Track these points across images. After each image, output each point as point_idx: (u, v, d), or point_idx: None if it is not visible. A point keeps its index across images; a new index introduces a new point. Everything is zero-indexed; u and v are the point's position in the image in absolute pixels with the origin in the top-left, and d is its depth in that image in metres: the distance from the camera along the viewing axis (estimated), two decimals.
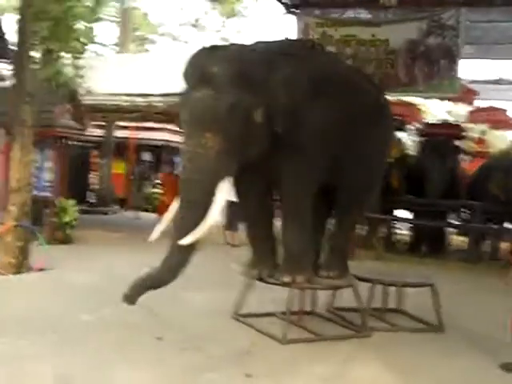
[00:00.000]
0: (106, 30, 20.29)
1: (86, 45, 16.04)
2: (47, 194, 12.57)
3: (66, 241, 12.23)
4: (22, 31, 9.23)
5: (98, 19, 13.54)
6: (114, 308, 6.77)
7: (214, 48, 5.84)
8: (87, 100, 13.11)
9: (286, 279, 6.15)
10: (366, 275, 6.92)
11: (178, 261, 5.49)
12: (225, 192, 5.52)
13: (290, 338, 6.05)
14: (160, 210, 12.84)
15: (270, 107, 5.58)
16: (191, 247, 5.45)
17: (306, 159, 5.94)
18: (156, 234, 5.83)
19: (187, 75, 5.70)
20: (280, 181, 6.12)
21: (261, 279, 6.49)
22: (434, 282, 7.04)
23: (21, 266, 9.02)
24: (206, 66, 5.48)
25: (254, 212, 6.51)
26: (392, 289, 7.19)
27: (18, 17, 9.39)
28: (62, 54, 12.86)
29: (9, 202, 9.19)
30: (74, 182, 15.51)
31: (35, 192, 12.18)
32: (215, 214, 5.43)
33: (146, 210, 19.16)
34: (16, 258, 9.00)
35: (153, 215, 15.73)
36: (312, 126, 5.88)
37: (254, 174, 6.16)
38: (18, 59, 9.27)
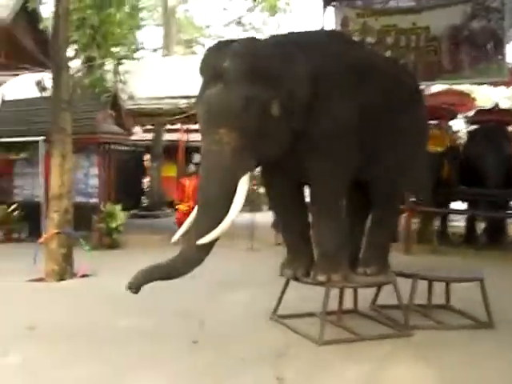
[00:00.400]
0: (151, 35, 20.42)
1: (134, 51, 16.31)
2: (94, 199, 12.69)
3: (113, 246, 12.35)
4: (57, 39, 9.25)
5: (139, 25, 13.60)
6: (154, 313, 6.80)
7: (226, 43, 5.68)
8: (130, 105, 13.19)
9: (321, 278, 5.94)
10: (409, 270, 6.63)
11: (193, 257, 5.31)
12: (244, 190, 5.32)
13: (326, 339, 5.85)
14: None
15: (288, 100, 5.35)
16: (208, 246, 5.27)
17: (332, 155, 5.69)
18: (178, 235, 5.69)
19: (202, 71, 5.56)
20: (309, 178, 5.90)
21: (296, 278, 6.27)
22: (483, 276, 6.66)
23: (64, 272, 9.11)
24: (218, 61, 5.32)
25: (286, 210, 6.31)
26: (440, 284, 6.84)
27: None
28: (104, 60, 12.96)
29: (50, 210, 9.27)
30: (128, 186, 15.70)
31: (83, 198, 12.44)
32: (234, 213, 5.23)
33: None
34: (59, 265, 9.09)
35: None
36: (335, 119, 5.63)
37: (284, 172, 5.99)
38: (55, 67, 9.31)
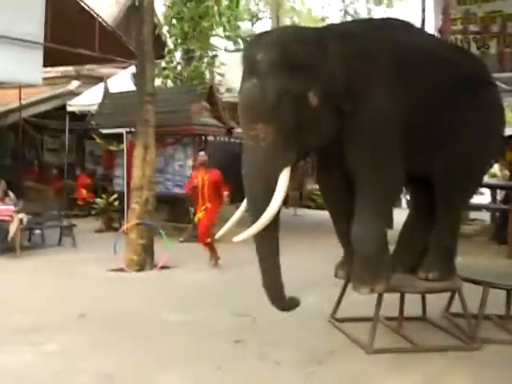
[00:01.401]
0: (262, 27, 20.41)
1: (238, 41, 16.37)
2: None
3: None
4: (142, 32, 9.37)
5: (238, 17, 13.63)
6: (211, 309, 6.73)
7: (261, 34, 5.49)
8: (227, 97, 13.17)
9: (364, 291, 5.48)
10: (477, 276, 6.05)
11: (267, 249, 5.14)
12: (284, 184, 5.04)
13: (378, 347, 5.46)
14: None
15: (326, 88, 5.04)
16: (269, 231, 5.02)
17: (378, 147, 5.26)
18: (223, 231, 5.57)
19: (242, 64, 5.38)
20: (355, 173, 5.46)
21: (349, 280, 5.91)
22: None
23: (144, 263, 9.24)
24: (253, 53, 5.14)
25: (338, 208, 5.94)
26: None
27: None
28: (202, 52, 13.09)
29: (132, 200, 9.42)
30: (230, 178, 15.72)
31: (179, 190, 12.60)
32: (273, 208, 4.96)
33: (308, 207, 18.99)
34: (139, 256, 9.23)
35: (314, 212, 15.46)
36: (377, 109, 5.22)
37: (334, 167, 5.66)
38: (140, 60, 9.46)
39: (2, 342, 5.55)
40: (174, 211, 13.60)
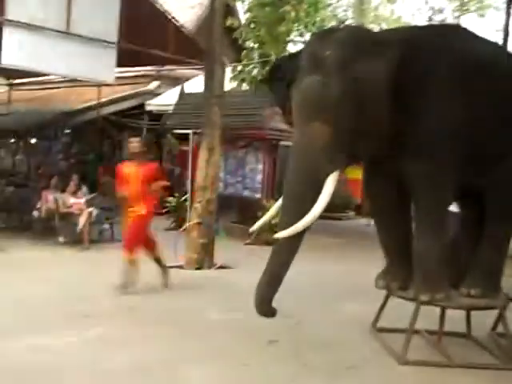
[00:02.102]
0: None
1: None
2: (259, 195, 13.14)
3: (272, 242, 12.62)
4: (211, 35, 9.74)
5: (316, 24, 13.77)
6: (251, 311, 6.86)
7: (330, 31, 5.59)
8: None
9: (424, 298, 5.58)
10: None
11: (286, 249, 5.28)
12: (331, 187, 5.14)
13: (410, 359, 5.55)
14: None
15: (387, 96, 5.04)
16: (298, 236, 5.16)
17: (435, 159, 5.29)
18: (256, 226, 5.84)
19: (302, 59, 5.38)
20: (410, 185, 5.54)
21: (389, 290, 6.04)
22: None
23: (202, 261, 9.61)
24: (317, 50, 5.17)
25: (386, 217, 6.04)
26: None
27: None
28: (278, 57, 13.30)
29: (194, 200, 9.83)
30: None
31: (248, 193, 12.96)
32: (318, 210, 5.09)
33: None
34: (198, 254, 9.62)
35: None
36: (439, 119, 5.27)
37: (383, 176, 5.74)
38: (209, 62, 9.82)
39: (51, 325, 6.01)
40: (242, 213, 13.95)
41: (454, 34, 6.00)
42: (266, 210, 12.30)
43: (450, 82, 5.35)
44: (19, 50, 10.38)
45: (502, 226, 5.97)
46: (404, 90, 5.09)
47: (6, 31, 10.26)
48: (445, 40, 5.65)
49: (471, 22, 30.52)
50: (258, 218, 12.10)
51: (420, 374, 5.37)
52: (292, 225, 5.06)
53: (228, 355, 5.51)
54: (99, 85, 14.56)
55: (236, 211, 14.12)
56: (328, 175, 5.15)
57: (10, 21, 10.27)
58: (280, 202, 5.49)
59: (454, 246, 6.14)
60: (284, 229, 5.12)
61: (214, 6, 9.68)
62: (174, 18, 12.52)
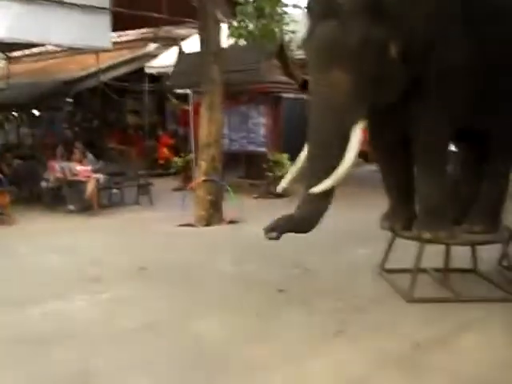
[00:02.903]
0: None
1: None
2: (263, 149, 13.18)
3: (280, 194, 12.70)
4: None
5: None
6: (266, 262, 7.12)
7: None
8: (299, 55, 13.28)
9: (427, 235, 5.66)
10: None
11: (312, 211, 5.23)
12: (358, 139, 5.03)
13: (418, 296, 5.68)
14: None
15: (407, 41, 4.98)
16: (327, 195, 5.14)
17: (444, 104, 5.28)
18: (284, 183, 5.67)
19: (312, 7, 5.29)
20: (413, 128, 5.54)
21: (393, 231, 6.12)
22: None
23: (211, 218, 9.72)
24: None
25: (388, 160, 6.11)
26: None
27: None
28: (273, 9, 13.23)
29: (199, 158, 9.89)
30: (298, 136, 15.87)
31: (253, 147, 13.01)
32: (350, 160, 5.02)
33: None
34: (207, 211, 9.73)
35: None
36: (451, 65, 5.20)
37: (388, 119, 5.67)
38: (203, 19, 9.75)
39: (64, 290, 6.15)
40: (249, 168, 14.03)
41: None
42: (270, 162, 12.48)
43: (464, 25, 5.25)
44: (13, 23, 10.36)
45: (504, 163, 6.03)
46: (425, 34, 5.03)
47: (0, 4, 10.18)
48: None
49: None
50: (264, 171, 12.39)
51: (428, 310, 5.48)
52: (325, 174, 5.01)
53: (239, 306, 5.64)
54: (97, 51, 14.47)
55: (242, 166, 14.18)
56: (353, 123, 5.04)
57: None
58: (304, 154, 5.39)
59: (456, 184, 6.19)
60: (314, 179, 5.07)
61: None
62: None
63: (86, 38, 11.39)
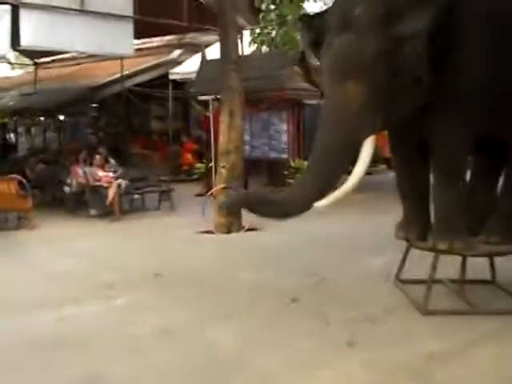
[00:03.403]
0: None
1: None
2: (285, 155, 13.18)
3: None
4: (222, 1, 9.69)
5: None
6: (283, 269, 7.13)
7: None
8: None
9: (443, 246, 5.57)
10: None
11: (302, 206, 5.15)
12: (369, 152, 5.04)
13: (433, 309, 5.59)
14: None
15: (423, 53, 4.93)
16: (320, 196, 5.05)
17: (462, 113, 5.24)
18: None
19: (330, 19, 5.29)
20: (432, 137, 5.49)
21: (408, 241, 6.07)
22: None
23: (231, 225, 9.74)
24: (347, 8, 5.04)
25: (405, 167, 6.05)
26: None
27: None
28: (295, 16, 13.19)
29: (219, 165, 9.92)
30: None
31: (275, 154, 13.03)
32: (358, 175, 5.05)
33: None
34: (226, 218, 9.73)
35: None
36: (470, 76, 5.16)
37: (407, 128, 5.61)
38: (223, 27, 9.79)
39: (79, 295, 6.22)
40: (271, 175, 14.05)
41: None
42: (293, 169, 12.47)
43: (481, 35, 5.22)
44: (37, 31, 10.54)
45: None
46: (440, 45, 5.00)
47: (23, 13, 10.38)
48: None
49: None
50: (286, 178, 12.37)
51: (443, 322, 5.41)
52: (328, 185, 5.05)
53: (253, 314, 5.63)
54: (122, 57, 14.62)
55: (265, 173, 14.20)
56: (366, 137, 5.05)
57: (26, 3, 10.40)
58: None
59: (471, 193, 6.13)
60: (320, 188, 5.04)
61: None
62: None
63: (108, 46, 11.52)
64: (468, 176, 6.18)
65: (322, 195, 5.04)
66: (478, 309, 5.70)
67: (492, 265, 6.36)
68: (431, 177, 5.88)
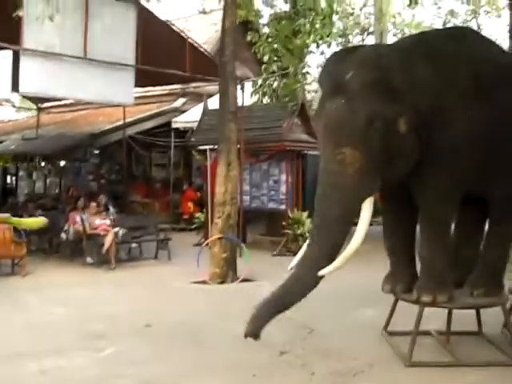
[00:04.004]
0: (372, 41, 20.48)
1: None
2: (284, 206, 13.42)
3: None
4: (224, 53, 10.07)
5: (330, 34, 14.14)
6: (274, 321, 7.03)
7: (348, 51, 5.69)
8: None
9: (426, 299, 5.78)
10: None
11: (310, 282, 5.36)
12: (368, 215, 5.24)
13: (418, 360, 5.76)
14: None
15: (414, 115, 5.18)
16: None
17: (448, 171, 5.49)
18: (295, 262, 5.69)
19: (321, 82, 5.58)
20: (419, 193, 5.72)
21: (394, 294, 6.28)
22: None
23: (225, 275, 9.94)
24: (339, 72, 5.23)
25: (392, 222, 6.28)
26: None
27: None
28: (295, 69, 13.68)
29: (215, 215, 10.17)
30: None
31: (273, 205, 13.28)
32: (357, 240, 5.23)
33: None
34: (221, 269, 9.95)
35: None
36: (457, 135, 5.41)
37: (397, 189, 5.86)
38: (223, 80, 10.15)
39: (67, 346, 6.33)
40: (269, 225, 14.29)
41: (467, 41, 5.98)
42: (290, 220, 12.70)
43: (469, 96, 5.47)
44: (36, 78, 10.88)
45: (505, 227, 6.18)
46: (432, 110, 5.24)
47: (24, 60, 10.72)
48: (460, 48, 5.71)
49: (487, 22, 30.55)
50: (284, 229, 12.59)
51: (426, 374, 5.58)
52: (329, 255, 5.20)
53: (239, 366, 5.79)
54: (123, 105, 15.04)
55: (263, 223, 14.46)
56: (363, 201, 5.23)
57: (27, 49, 10.75)
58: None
59: (456, 247, 6.33)
60: (322, 259, 5.20)
61: (225, 24, 9.99)
62: (189, 37, 12.93)
63: (108, 94, 11.89)
64: (453, 230, 6.42)
65: (328, 262, 5.21)
66: (461, 361, 5.86)
67: (478, 316, 6.54)
68: (418, 230, 6.11)
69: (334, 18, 14.94)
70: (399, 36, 20.66)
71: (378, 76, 5.09)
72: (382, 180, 5.28)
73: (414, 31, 21.71)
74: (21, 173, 21.37)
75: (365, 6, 21.24)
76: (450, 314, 6.29)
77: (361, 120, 4.98)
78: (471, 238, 6.42)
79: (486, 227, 6.43)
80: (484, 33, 16.49)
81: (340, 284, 9.11)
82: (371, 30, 20.01)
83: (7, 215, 10.77)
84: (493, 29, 23.85)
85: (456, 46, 5.73)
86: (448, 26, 21.74)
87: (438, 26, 23.41)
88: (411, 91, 5.17)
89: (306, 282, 5.34)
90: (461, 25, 22.12)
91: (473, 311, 6.46)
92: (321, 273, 5.18)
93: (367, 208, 5.21)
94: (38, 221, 11.65)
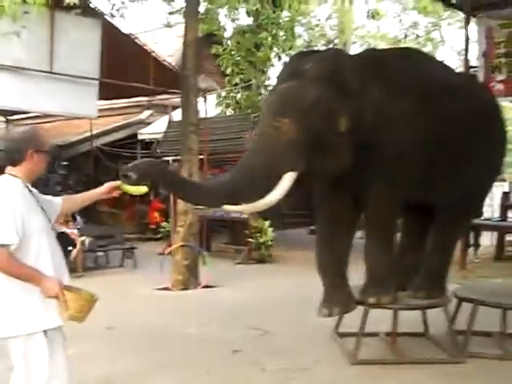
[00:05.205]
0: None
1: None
2: (245, 215, 13.71)
3: (262, 260, 13.32)
4: (185, 66, 10.40)
5: (292, 47, 14.55)
6: (229, 324, 7.65)
7: (311, 51, 5.98)
8: None
9: (371, 300, 6.08)
10: (470, 295, 6.59)
11: (215, 202, 5.41)
12: (287, 184, 5.24)
13: (363, 359, 6.11)
14: None
15: (355, 119, 5.38)
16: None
17: (391, 179, 5.74)
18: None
19: (280, 75, 5.82)
20: (364, 200, 5.96)
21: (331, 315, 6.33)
22: None
23: (188, 282, 10.23)
24: (298, 65, 5.53)
25: (326, 236, 6.26)
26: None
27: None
28: (259, 81, 14.05)
29: (177, 224, 10.47)
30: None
31: (236, 214, 13.55)
32: (272, 198, 5.21)
33: None
34: (183, 275, 10.24)
35: None
36: (399, 144, 5.66)
37: (339, 192, 6.01)
38: (185, 93, 10.47)
39: None
40: (233, 234, 14.61)
41: (413, 58, 6.42)
42: (253, 229, 13.03)
43: (413, 108, 5.76)
44: (5, 92, 11.13)
45: (450, 235, 6.61)
46: (373, 121, 5.49)
47: None
48: (405, 64, 6.08)
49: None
50: (247, 238, 12.91)
51: (369, 371, 5.94)
52: (240, 195, 5.13)
53: (193, 365, 6.11)
54: (87, 118, 15.28)
55: (227, 232, 14.79)
56: (287, 171, 5.25)
57: None
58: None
59: (400, 251, 6.70)
60: (234, 195, 5.12)
61: (187, 38, 10.30)
62: (153, 51, 13.27)
63: (73, 107, 12.17)
64: (398, 235, 6.79)
65: (231, 201, 5.19)
66: (405, 359, 6.22)
67: (424, 318, 6.91)
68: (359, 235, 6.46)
69: (300, 29, 15.34)
70: (365, 47, 21.17)
71: (335, 70, 5.37)
72: (307, 167, 5.32)
73: (380, 43, 22.40)
74: None
75: (330, 18, 21.79)
76: (395, 315, 6.58)
77: (307, 98, 5.21)
78: (416, 244, 6.73)
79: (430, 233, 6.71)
80: (447, 44, 16.98)
81: (298, 289, 9.52)
82: (336, 41, 20.52)
83: None
84: (455, 40, 24.61)
85: (403, 63, 6.10)
86: (410, 37, 22.33)
87: (401, 37, 24.09)
88: (359, 97, 5.41)
89: (212, 201, 5.45)
90: (422, 37, 22.71)
91: (419, 313, 6.78)
92: (225, 208, 5.27)
93: (288, 179, 5.24)
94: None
